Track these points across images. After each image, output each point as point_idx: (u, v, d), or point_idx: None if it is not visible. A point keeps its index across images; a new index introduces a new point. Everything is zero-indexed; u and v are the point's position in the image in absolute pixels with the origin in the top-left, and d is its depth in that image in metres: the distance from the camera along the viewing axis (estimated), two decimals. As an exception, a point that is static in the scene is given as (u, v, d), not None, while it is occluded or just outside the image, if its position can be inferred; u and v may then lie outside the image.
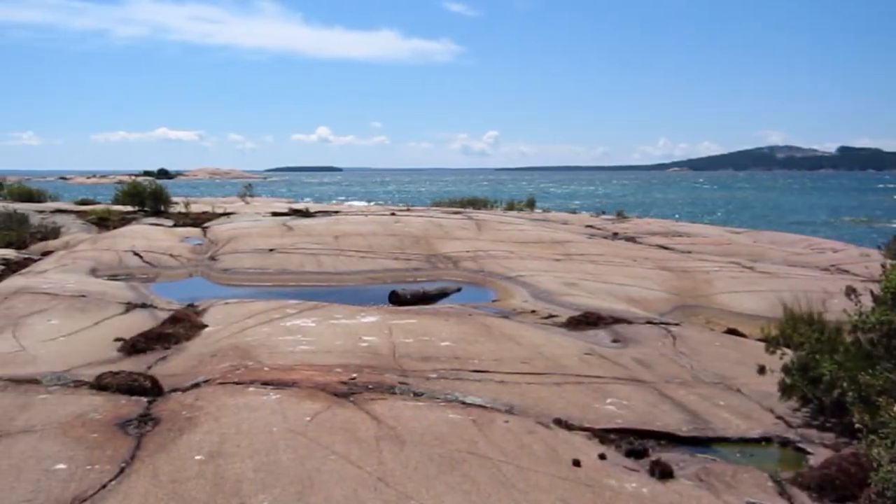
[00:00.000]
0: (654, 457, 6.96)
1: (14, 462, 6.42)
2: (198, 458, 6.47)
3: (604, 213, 40.64)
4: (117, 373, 8.66)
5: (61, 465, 6.36)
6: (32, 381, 8.63)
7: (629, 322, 12.77)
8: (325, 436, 6.93)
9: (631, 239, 26.25)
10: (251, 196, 45.40)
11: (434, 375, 9.01)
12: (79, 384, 8.60)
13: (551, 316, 13.42)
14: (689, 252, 23.11)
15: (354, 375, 8.82)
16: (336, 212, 32.45)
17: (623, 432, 7.57)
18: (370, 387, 8.39)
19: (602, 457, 6.87)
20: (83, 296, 14.06)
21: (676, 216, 58.64)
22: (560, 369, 9.57)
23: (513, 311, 14.02)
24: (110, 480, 6.14)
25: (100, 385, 8.42)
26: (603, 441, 7.32)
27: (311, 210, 33.26)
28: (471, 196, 50.64)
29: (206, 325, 11.86)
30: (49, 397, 8.05)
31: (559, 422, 7.66)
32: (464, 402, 8.02)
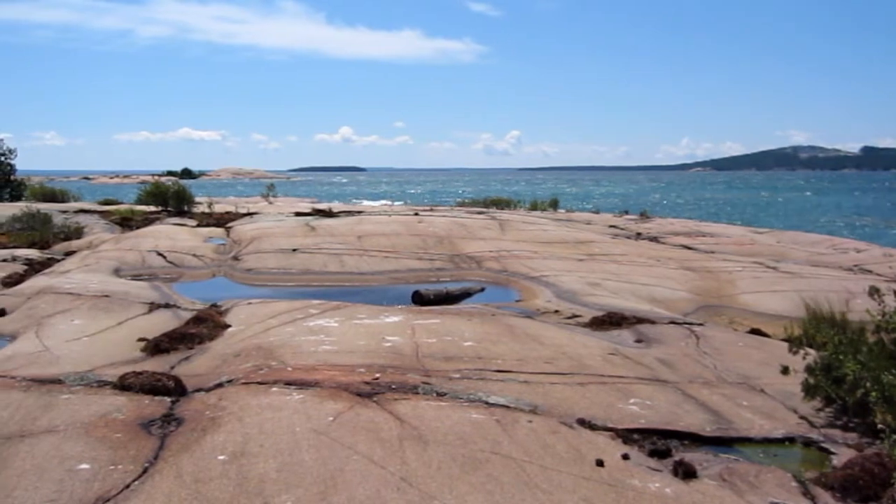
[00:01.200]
0: (677, 457, 6.94)
1: (37, 462, 6.44)
2: (221, 458, 6.48)
3: (627, 213, 40.56)
4: (140, 373, 8.68)
5: (84, 466, 6.38)
6: (55, 382, 8.66)
7: (653, 322, 12.75)
8: (348, 436, 6.93)
9: (654, 239, 26.21)
10: (274, 196, 45.48)
11: (457, 375, 9.00)
12: (102, 384, 8.62)
13: (575, 316, 13.41)
14: (712, 252, 23.07)
15: (377, 375, 8.82)
16: (359, 212, 32.47)
17: (646, 432, 7.55)
18: (393, 387, 8.40)
19: (625, 457, 6.86)
20: (106, 296, 14.10)
21: (699, 216, 58.40)
22: (583, 369, 9.56)
23: (536, 311, 14.01)
24: (133, 480, 6.16)
25: (123, 385, 8.44)
26: (626, 441, 7.30)
27: (335, 210, 33.28)
28: (494, 196, 50.60)
29: (229, 325, 11.88)
30: (72, 397, 8.06)
31: (582, 422, 7.65)
32: (487, 403, 8.02)
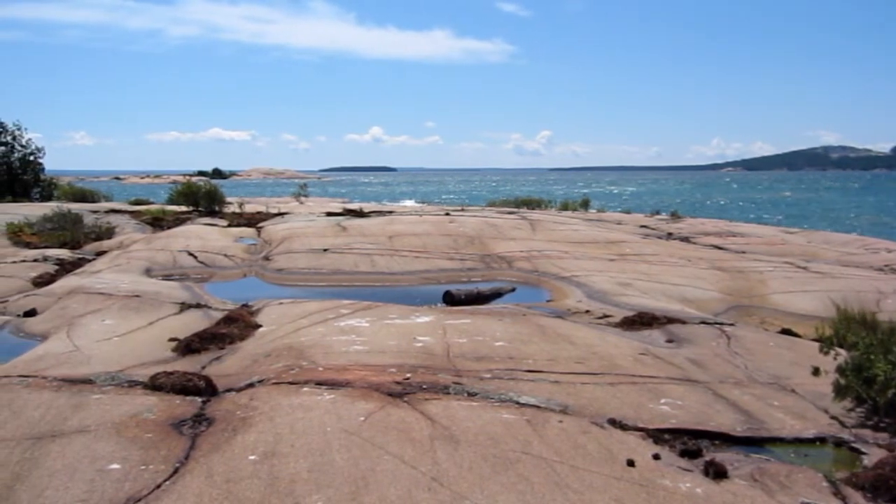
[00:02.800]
0: (708, 457, 6.94)
1: (68, 462, 6.47)
2: (252, 458, 6.50)
3: (658, 213, 40.44)
4: (171, 373, 8.71)
5: (115, 465, 6.41)
6: (86, 382, 8.70)
7: (683, 322, 12.72)
8: (378, 436, 6.94)
9: (685, 239, 26.15)
10: (305, 196, 45.51)
11: (488, 375, 9.01)
12: (133, 384, 8.66)
13: (605, 316, 13.40)
14: (743, 252, 23.00)
15: (409, 375, 8.83)
16: (390, 212, 32.47)
17: (677, 432, 7.54)
18: (424, 387, 8.41)
19: (656, 457, 6.85)
20: (137, 296, 14.17)
21: (730, 216, 58.21)
22: (614, 369, 9.55)
23: (567, 311, 14.00)
24: (164, 480, 6.18)
25: (154, 385, 8.47)
26: (657, 441, 7.30)
27: (366, 210, 33.29)
28: (525, 196, 50.54)
29: (260, 325, 11.92)
30: (103, 397, 8.10)
31: (613, 422, 7.65)
32: (517, 402, 8.02)
